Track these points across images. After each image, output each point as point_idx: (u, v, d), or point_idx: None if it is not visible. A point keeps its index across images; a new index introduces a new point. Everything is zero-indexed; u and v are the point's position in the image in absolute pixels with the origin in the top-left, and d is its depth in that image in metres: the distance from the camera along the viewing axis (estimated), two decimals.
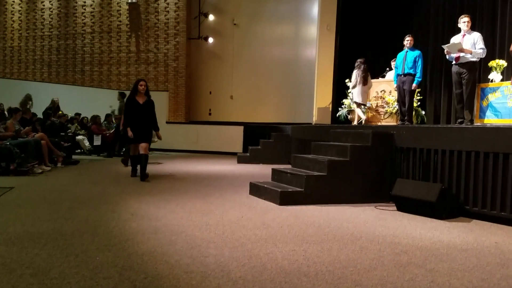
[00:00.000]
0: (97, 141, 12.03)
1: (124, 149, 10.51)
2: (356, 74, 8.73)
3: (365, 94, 8.73)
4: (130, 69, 14.93)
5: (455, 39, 6.76)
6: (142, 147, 6.98)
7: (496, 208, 4.46)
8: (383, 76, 9.36)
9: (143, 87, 7.06)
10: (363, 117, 8.82)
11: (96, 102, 13.82)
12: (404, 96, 7.56)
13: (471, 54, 6.55)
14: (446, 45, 6.77)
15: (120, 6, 14.96)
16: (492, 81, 7.30)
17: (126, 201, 5.25)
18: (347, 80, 9.52)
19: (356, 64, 8.85)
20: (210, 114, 14.54)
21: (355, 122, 8.98)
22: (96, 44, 15.27)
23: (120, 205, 4.99)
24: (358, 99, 8.65)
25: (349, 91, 9.53)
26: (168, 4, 14.43)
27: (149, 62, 14.71)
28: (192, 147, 13.87)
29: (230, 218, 4.41)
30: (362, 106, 8.84)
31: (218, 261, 3.02)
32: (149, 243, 3.44)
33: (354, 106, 9.12)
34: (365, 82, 8.63)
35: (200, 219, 4.36)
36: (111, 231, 3.79)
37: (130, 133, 6.96)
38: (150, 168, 8.84)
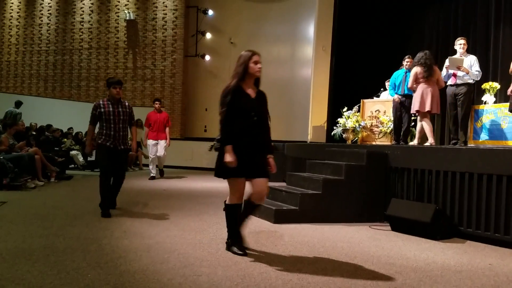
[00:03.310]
0: (91, 156, 11.97)
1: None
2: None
3: None
4: (126, 85, 14.94)
5: (454, 57, 6.85)
6: (260, 186, 3.59)
7: (490, 229, 4.46)
8: (378, 96, 9.43)
9: (258, 66, 3.69)
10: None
11: None
12: (400, 116, 7.57)
13: (467, 73, 6.65)
14: (450, 57, 6.84)
15: (118, 23, 15.08)
16: (485, 103, 7.38)
17: (119, 218, 5.20)
18: (344, 109, 9.52)
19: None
20: (205, 130, 14.54)
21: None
22: (93, 60, 15.33)
23: (112, 222, 4.94)
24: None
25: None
26: (166, 22, 14.57)
27: (145, 79, 14.76)
28: (187, 163, 13.83)
29: (224, 236, 4.36)
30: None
31: (211, 280, 2.98)
32: (142, 261, 3.41)
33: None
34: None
35: (193, 237, 4.32)
36: (103, 248, 3.75)
37: (232, 158, 3.50)
38: (148, 184, 8.81)
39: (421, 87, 6.62)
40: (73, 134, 12.86)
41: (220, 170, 3.66)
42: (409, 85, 6.85)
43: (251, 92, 3.73)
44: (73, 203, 6.28)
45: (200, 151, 13.69)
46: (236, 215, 3.70)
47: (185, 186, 9.04)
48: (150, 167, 9.94)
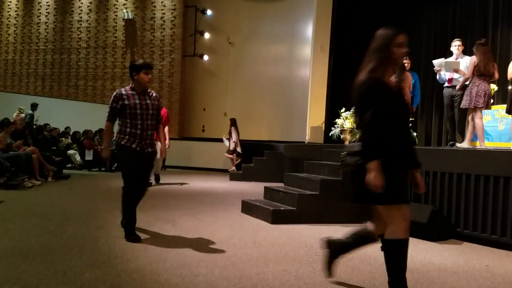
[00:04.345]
0: (89, 156, 11.96)
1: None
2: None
3: None
4: (124, 85, 14.81)
5: (449, 60, 6.86)
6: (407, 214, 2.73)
7: (487, 230, 4.47)
8: None
9: (403, 50, 2.77)
10: None
11: (89, 116, 13.77)
12: None
13: (464, 75, 6.65)
14: (445, 60, 6.81)
15: (116, 22, 15.06)
16: None
17: (116, 217, 5.18)
18: (342, 110, 9.53)
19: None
20: (203, 130, 14.54)
21: None
22: (91, 59, 15.30)
23: (110, 221, 4.93)
24: None
25: None
26: (164, 21, 14.55)
27: None
28: (185, 163, 13.82)
29: (221, 237, 4.37)
30: None
31: (208, 280, 2.98)
32: (139, 260, 3.40)
33: None
34: None
35: (191, 237, 4.32)
36: (100, 248, 3.74)
37: (381, 181, 2.57)
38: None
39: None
40: (71, 133, 12.83)
41: (380, 194, 2.58)
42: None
43: (393, 86, 2.78)
44: (70, 202, 6.27)
45: (198, 151, 13.69)
46: (406, 253, 2.69)
47: (182, 185, 9.03)
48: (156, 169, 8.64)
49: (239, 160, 11.52)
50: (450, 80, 6.84)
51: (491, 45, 9.33)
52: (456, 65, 6.65)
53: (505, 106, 6.46)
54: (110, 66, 15.08)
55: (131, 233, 4.09)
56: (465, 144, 6.35)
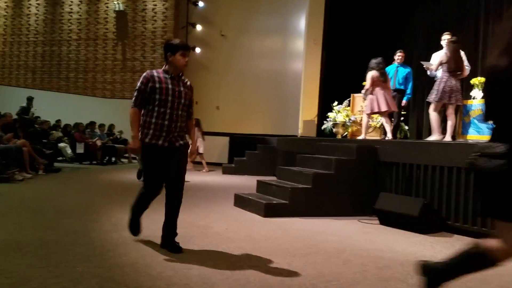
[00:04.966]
0: (80, 149, 11.88)
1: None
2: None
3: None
4: (115, 77, 14.83)
5: (437, 55, 6.91)
6: None
7: (477, 223, 4.52)
8: None
9: None
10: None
11: (80, 109, 13.67)
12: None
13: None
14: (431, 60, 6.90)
15: (107, 14, 14.91)
16: (474, 98, 7.44)
17: (108, 211, 5.17)
18: (335, 104, 9.55)
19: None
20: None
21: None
22: (82, 51, 15.15)
23: (102, 214, 4.91)
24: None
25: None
26: (155, 13, 14.44)
27: (135, 70, 14.63)
28: None
29: (215, 230, 4.38)
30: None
31: (202, 273, 2.99)
32: (131, 254, 3.40)
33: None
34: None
35: (184, 230, 4.30)
36: (93, 241, 3.73)
37: None
38: (130, 177, 8.75)
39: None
40: (62, 126, 12.73)
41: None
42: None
43: None
44: (63, 196, 6.24)
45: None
46: None
47: None
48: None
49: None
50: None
51: (483, 38, 9.43)
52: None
53: None
54: (101, 58, 14.95)
55: (134, 228, 3.83)
56: (434, 137, 6.61)
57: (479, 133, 7.17)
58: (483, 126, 7.14)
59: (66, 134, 12.39)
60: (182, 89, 3.59)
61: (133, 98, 3.55)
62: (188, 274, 2.96)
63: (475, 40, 9.64)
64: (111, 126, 13.49)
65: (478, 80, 7.51)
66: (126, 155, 13.14)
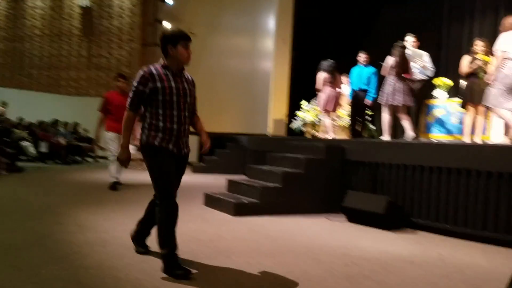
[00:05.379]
0: (43, 148, 11.53)
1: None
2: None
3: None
4: (80, 74, 14.46)
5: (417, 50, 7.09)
6: None
7: (440, 220, 4.67)
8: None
9: None
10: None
11: (43, 107, 13.26)
12: (357, 111, 7.81)
13: (423, 68, 6.93)
14: (411, 49, 7.05)
15: (72, 10, 14.51)
16: (437, 98, 7.68)
17: (73, 212, 5.04)
18: (303, 103, 9.66)
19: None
20: None
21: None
22: (46, 48, 14.69)
23: (67, 216, 4.78)
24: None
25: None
26: (122, 9, 14.16)
27: (100, 68, 14.31)
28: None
29: (184, 230, 4.31)
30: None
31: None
32: (97, 256, 3.32)
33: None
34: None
35: (152, 231, 4.24)
36: (57, 244, 3.63)
37: None
38: (102, 176, 8.55)
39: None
40: (25, 124, 12.30)
41: None
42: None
43: None
44: (26, 196, 6.03)
45: None
46: None
47: (141, 178, 8.85)
48: (112, 171, 6.97)
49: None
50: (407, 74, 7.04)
51: (446, 40, 9.75)
52: (420, 56, 6.91)
53: (460, 101, 6.71)
54: (65, 55, 14.54)
55: (178, 265, 2.99)
56: (385, 137, 6.88)
57: (441, 133, 7.40)
58: (446, 125, 7.37)
59: (30, 133, 11.98)
60: (186, 85, 3.18)
61: (129, 100, 3.11)
62: (156, 275, 2.92)
63: (438, 41, 9.95)
64: (76, 125, 13.16)
65: (442, 81, 7.75)
66: (91, 153, 12.83)
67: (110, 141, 6.79)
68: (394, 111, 6.75)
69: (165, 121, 3.05)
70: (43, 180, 8.16)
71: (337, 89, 7.84)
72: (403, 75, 6.62)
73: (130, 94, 3.11)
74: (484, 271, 3.41)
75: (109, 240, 3.81)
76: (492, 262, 3.67)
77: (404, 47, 6.80)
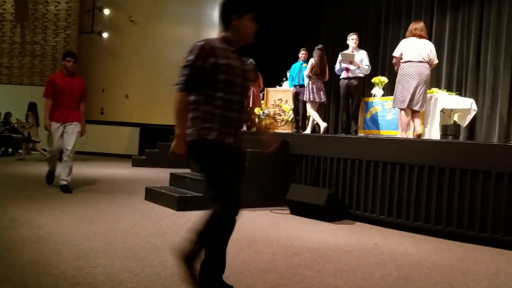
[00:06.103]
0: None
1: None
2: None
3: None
4: (13, 61, 13.54)
5: (346, 52, 7.32)
6: None
7: (376, 211, 4.90)
8: (280, 85, 9.73)
9: None
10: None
11: None
12: (298, 106, 8.00)
13: (358, 68, 7.16)
14: (342, 52, 7.29)
15: None
16: (374, 95, 7.99)
17: (4, 206, 4.73)
18: None
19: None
20: (102, 113, 13.76)
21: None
22: None
23: None
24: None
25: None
26: None
27: (35, 55, 13.48)
28: (81, 148, 12.96)
29: (122, 226, 4.21)
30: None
31: (108, 271, 2.86)
32: (31, 253, 3.15)
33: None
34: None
35: (88, 227, 4.09)
36: None
37: None
38: (37, 169, 8.10)
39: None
40: None
41: None
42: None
43: None
44: None
45: (96, 135, 12.93)
46: None
47: (78, 172, 8.49)
48: (52, 166, 6.37)
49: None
50: (346, 72, 7.29)
51: (383, 39, 10.19)
52: (351, 57, 7.16)
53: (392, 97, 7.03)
54: None
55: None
56: (308, 131, 7.72)
57: (378, 128, 7.73)
58: (382, 121, 7.71)
59: None
60: (246, 67, 2.62)
61: (181, 78, 2.43)
62: (93, 272, 2.82)
63: (376, 41, 10.40)
64: (8, 114, 12.32)
65: (378, 79, 8.07)
66: (33, 148, 12.05)
67: (53, 131, 5.97)
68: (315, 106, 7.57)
69: (224, 108, 2.42)
70: None
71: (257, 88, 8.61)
72: (320, 75, 7.42)
73: (184, 71, 2.44)
74: (415, 259, 3.62)
75: (43, 236, 3.63)
76: (421, 250, 3.90)
77: (322, 49, 7.49)
